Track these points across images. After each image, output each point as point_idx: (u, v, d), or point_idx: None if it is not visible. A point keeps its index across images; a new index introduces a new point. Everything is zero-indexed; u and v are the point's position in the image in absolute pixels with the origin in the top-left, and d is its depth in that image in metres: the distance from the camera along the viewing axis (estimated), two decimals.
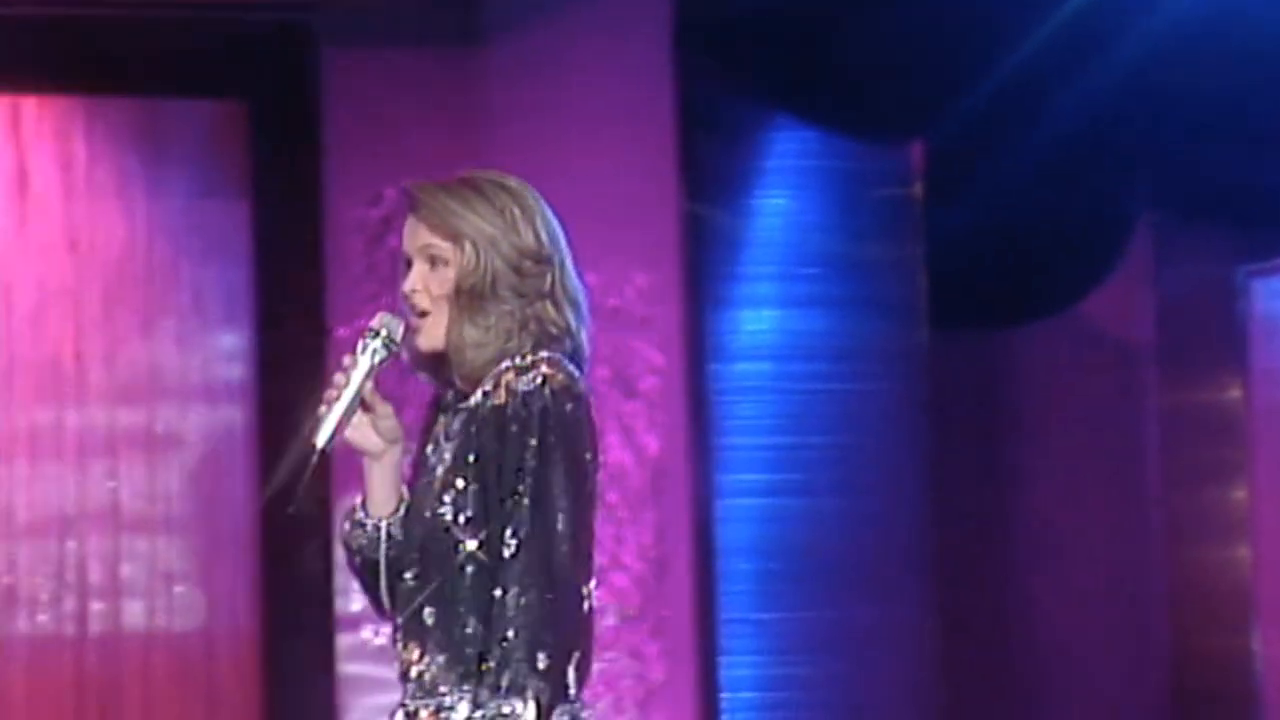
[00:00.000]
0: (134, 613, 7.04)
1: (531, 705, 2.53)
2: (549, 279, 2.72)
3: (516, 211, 2.72)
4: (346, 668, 6.68)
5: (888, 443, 6.82)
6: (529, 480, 2.57)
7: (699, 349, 6.64)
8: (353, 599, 6.54)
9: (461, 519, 2.64)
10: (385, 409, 2.75)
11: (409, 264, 2.76)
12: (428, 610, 2.66)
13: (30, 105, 7.07)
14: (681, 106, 6.61)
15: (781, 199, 6.87)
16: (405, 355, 2.76)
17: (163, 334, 7.10)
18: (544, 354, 2.67)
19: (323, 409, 2.71)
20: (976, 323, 7.24)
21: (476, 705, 2.61)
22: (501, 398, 2.63)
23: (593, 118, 6.59)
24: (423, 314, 2.72)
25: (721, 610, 6.55)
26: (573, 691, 2.61)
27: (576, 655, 2.59)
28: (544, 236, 2.74)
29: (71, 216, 7.07)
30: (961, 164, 6.91)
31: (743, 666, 6.63)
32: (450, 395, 2.78)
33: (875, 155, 6.97)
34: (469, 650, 2.63)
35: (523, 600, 2.55)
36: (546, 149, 6.45)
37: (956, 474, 7.14)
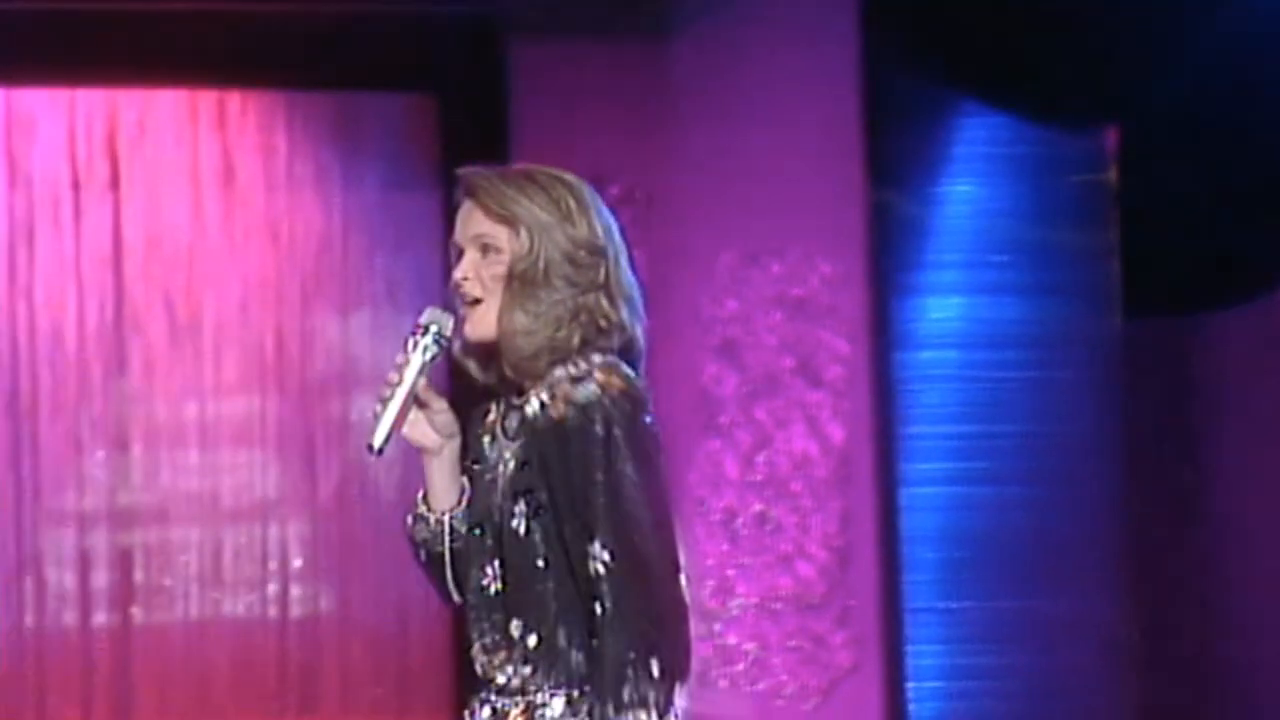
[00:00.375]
0: (331, 597, 7.20)
1: (655, 713, 2.54)
2: (602, 271, 2.72)
3: (572, 203, 2.71)
4: None
5: (1078, 431, 6.73)
6: (604, 491, 2.56)
7: (884, 337, 6.61)
8: None
9: (537, 534, 2.64)
10: (440, 404, 2.73)
11: (460, 253, 2.76)
12: (515, 623, 2.65)
13: (235, 100, 7.25)
14: (867, 94, 6.57)
15: (969, 185, 6.81)
16: (456, 347, 2.74)
17: (358, 323, 7.25)
18: (597, 359, 2.65)
19: (378, 408, 2.69)
20: (1171, 309, 7.10)
21: (585, 712, 2.60)
22: (560, 410, 2.61)
23: (778, 106, 6.57)
24: (475, 301, 2.71)
25: (907, 599, 6.52)
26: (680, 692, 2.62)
27: (685, 657, 2.61)
28: (598, 229, 2.73)
29: (273, 208, 7.25)
30: (1157, 148, 6.79)
31: (928, 655, 6.59)
32: (502, 386, 2.76)
33: (1067, 141, 6.88)
34: (560, 662, 2.62)
35: (627, 611, 2.55)
36: (732, 139, 6.46)
37: (1151, 463, 7.01)
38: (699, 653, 6.12)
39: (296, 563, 7.17)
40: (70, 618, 6.97)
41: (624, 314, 2.71)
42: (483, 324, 2.71)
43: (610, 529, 2.57)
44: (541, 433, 2.64)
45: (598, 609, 2.56)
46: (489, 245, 2.71)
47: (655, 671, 2.55)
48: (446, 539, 2.73)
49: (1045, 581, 6.62)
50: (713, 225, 6.39)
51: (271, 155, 7.25)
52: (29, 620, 6.94)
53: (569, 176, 2.77)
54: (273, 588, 7.14)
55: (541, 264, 2.68)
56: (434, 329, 2.70)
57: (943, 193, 6.76)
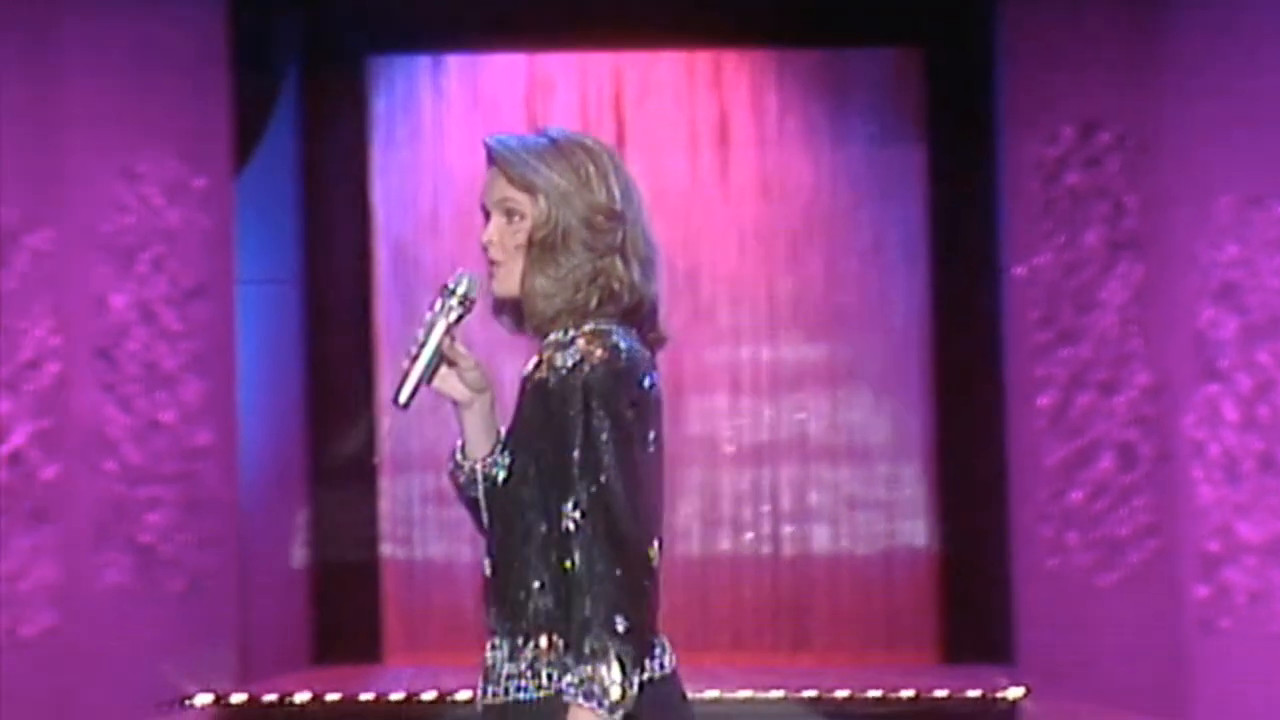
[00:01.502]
0: (821, 536, 7.42)
1: (616, 666, 2.60)
2: (619, 235, 2.78)
3: (591, 169, 2.77)
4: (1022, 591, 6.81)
5: None
6: (580, 455, 2.65)
7: None
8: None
9: (524, 490, 2.74)
10: (469, 361, 2.78)
11: (487, 215, 2.82)
12: (487, 562, 2.77)
13: (730, 60, 7.52)
14: None
15: None
16: (490, 304, 2.81)
17: (844, 274, 7.45)
18: (588, 326, 2.73)
19: (405, 364, 2.75)
20: None
21: (559, 668, 2.70)
22: (544, 374, 2.71)
23: (1274, 67, 6.43)
24: (497, 263, 2.79)
25: None
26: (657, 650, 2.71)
27: (651, 616, 2.66)
28: (617, 194, 2.78)
29: (765, 164, 7.50)
30: None
31: None
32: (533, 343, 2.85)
33: None
34: (518, 610, 2.72)
35: (595, 569, 2.63)
36: (1230, 82, 6.38)
37: None
38: (1195, 596, 6.18)
39: (788, 504, 7.40)
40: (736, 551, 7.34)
41: (637, 276, 2.78)
42: (506, 284, 2.79)
43: (583, 490, 2.65)
44: (531, 394, 2.74)
45: (568, 565, 2.66)
46: (512, 211, 2.79)
47: (620, 627, 2.62)
48: (480, 486, 2.82)
49: None
50: (1209, 169, 6.34)
51: (763, 112, 7.50)
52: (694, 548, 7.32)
53: (590, 142, 2.83)
54: (766, 528, 7.40)
55: (560, 230, 2.76)
56: (460, 291, 2.78)
57: None
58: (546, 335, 2.74)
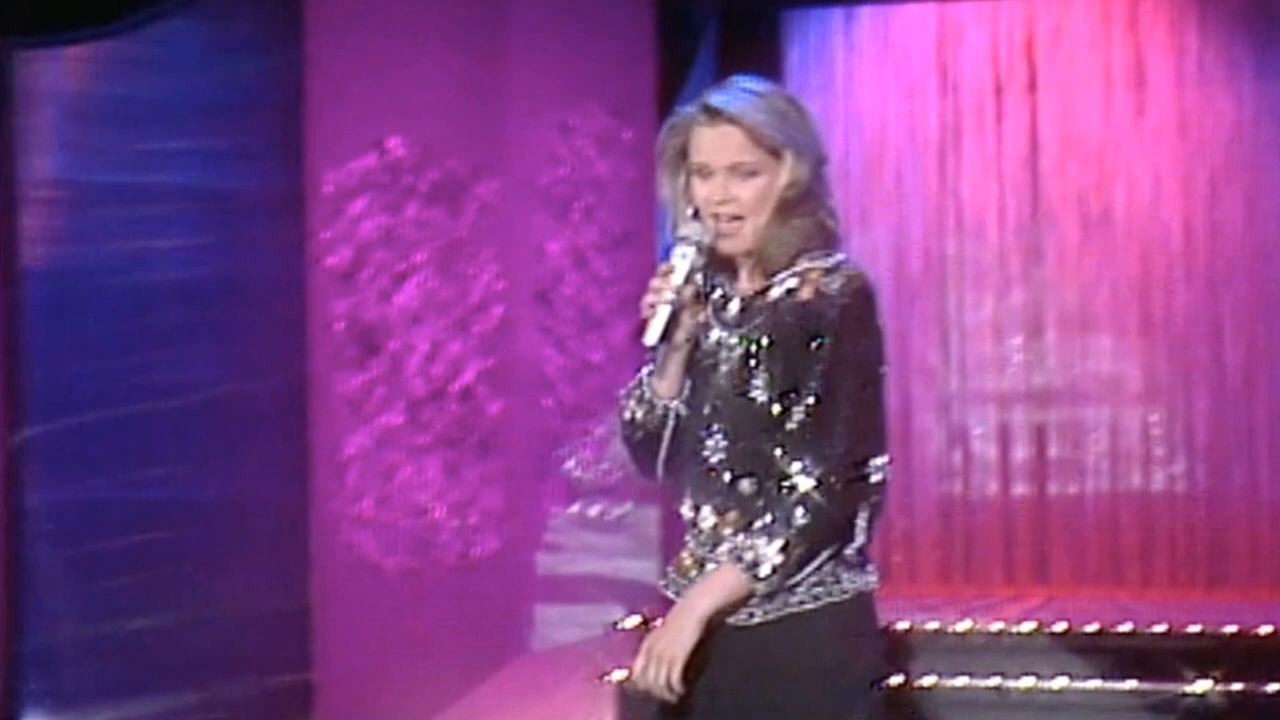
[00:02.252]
0: (1239, 475, 7.37)
1: (781, 549, 2.81)
2: (828, 184, 2.96)
3: (811, 123, 2.93)
4: None
5: None
6: (826, 369, 2.84)
7: None
8: None
9: (774, 404, 2.87)
10: (698, 306, 2.95)
11: (704, 174, 2.92)
12: (745, 482, 2.90)
13: (1147, 2, 7.48)
14: None
15: None
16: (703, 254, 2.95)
17: (1266, 213, 7.37)
18: (841, 256, 2.91)
19: (648, 310, 2.91)
20: None
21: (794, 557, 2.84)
22: (808, 294, 2.87)
23: None
24: (735, 219, 2.91)
25: None
26: (870, 565, 2.90)
27: (858, 527, 2.86)
28: (824, 141, 2.96)
29: (1183, 104, 7.46)
30: None
31: None
32: (722, 289, 3.00)
33: None
34: (780, 510, 2.85)
35: (822, 469, 2.82)
36: None
37: None
38: None
39: (1202, 441, 7.38)
40: (992, 488, 7.48)
41: (839, 218, 2.97)
42: (741, 240, 2.93)
43: (826, 399, 2.84)
44: (784, 313, 2.89)
45: (800, 466, 2.84)
46: (749, 169, 2.90)
47: (799, 519, 2.81)
48: (670, 424, 2.96)
49: None
50: None
51: (1183, 53, 7.46)
52: (957, 489, 7.51)
53: (790, 93, 2.97)
54: (1179, 465, 7.41)
55: (800, 186, 2.90)
56: (696, 240, 2.91)
57: None
58: (773, 273, 2.94)
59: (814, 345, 2.87)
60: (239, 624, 6.64)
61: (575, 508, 6.80)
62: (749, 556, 2.83)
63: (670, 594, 2.96)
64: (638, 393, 2.98)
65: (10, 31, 6.35)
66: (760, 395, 2.90)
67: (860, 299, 2.88)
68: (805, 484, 2.84)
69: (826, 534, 2.84)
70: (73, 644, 6.80)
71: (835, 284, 2.87)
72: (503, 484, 6.75)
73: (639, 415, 2.98)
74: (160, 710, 6.71)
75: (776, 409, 2.88)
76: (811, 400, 2.86)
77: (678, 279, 2.91)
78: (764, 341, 2.91)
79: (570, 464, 6.80)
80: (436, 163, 6.72)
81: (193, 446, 6.73)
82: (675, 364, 2.96)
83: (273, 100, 6.85)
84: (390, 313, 6.70)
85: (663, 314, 2.91)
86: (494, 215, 6.80)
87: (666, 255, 2.95)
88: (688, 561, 2.95)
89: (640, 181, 7.03)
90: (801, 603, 2.87)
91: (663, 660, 2.82)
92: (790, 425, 2.87)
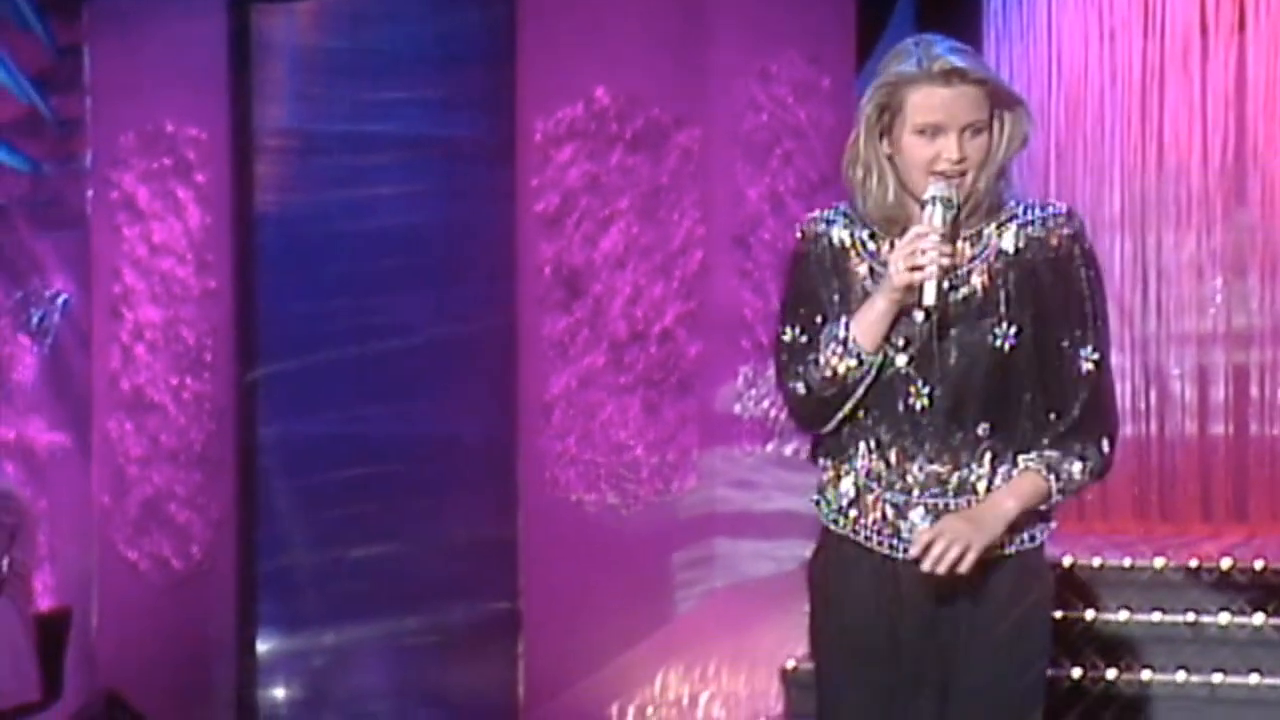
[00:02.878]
0: None
1: (1086, 471, 3.10)
2: None
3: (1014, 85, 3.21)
4: None
5: None
6: (1093, 308, 3.09)
7: None
8: None
9: (1023, 350, 3.08)
10: (949, 262, 3.09)
11: (933, 133, 3.07)
12: (982, 425, 3.10)
13: None
14: None
15: None
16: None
17: None
18: (1059, 203, 3.17)
19: (918, 275, 3.02)
20: None
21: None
22: (1056, 241, 3.10)
23: None
24: (967, 175, 3.08)
25: None
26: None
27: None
28: None
29: None
30: None
31: None
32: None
33: None
34: (1015, 446, 3.13)
35: (1100, 403, 3.10)
36: None
37: None
38: None
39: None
40: (1190, 428, 7.49)
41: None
42: (964, 191, 3.10)
43: (1096, 338, 3.09)
44: (1028, 262, 3.10)
45: (1078, 397, 3.10)
46: (979, 127, 3.08)
47: (1106, 449, 3.13)
48: (868, 378, 3.10)
49: None
50: None
51: None
52: (1153, 428, 7.54)
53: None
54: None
55: (1017, 142, 3.13)
56: (951, 198, 3.06)
57: None
58: (978, 221, 3.15)
59: (1070, 280, 3.09)
60: (452, 554, 7.04)
61: (770, 446, 7.04)
62: (1064, 468, 3.09)
63: (874, 545, 3.16)
64: (839, 348, 3.07)
65: None
66: (999, 339, 3.07)
67: (1085, 231, 3.14)
68: (1096, 427, 3.13)
69: (1100, 477, 3.16)
70: (302, 570, 7.27)
71: (1063, 222, 3.10)
72: (700, 423, 7.01)
73: (840, 369, 3.07)
74: (381, 633, 7.14)
75: (1023, 351, 3.08)
76: (1067, 343, 3.10)
77: (936, 238, 3.03)
78: (1008, 283, 3.09)
79: (765, 404, 7.04)
80: (640, 111, 6.97)
81: (410, 385, 7.12)
82: (887, 321, 3.07)
83: (486, 52, 7.16)
84: (595, 257, 6.98)
85: (932, 276, 3.01)
86: (694, 162, 7.03)
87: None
88: (889, 513, 3.14)
89: (837, 128, 7.16)
90: (1033, 538, 3.12)
91: (958, 542, 3.02)
92: (1042, 366, 3.10)
